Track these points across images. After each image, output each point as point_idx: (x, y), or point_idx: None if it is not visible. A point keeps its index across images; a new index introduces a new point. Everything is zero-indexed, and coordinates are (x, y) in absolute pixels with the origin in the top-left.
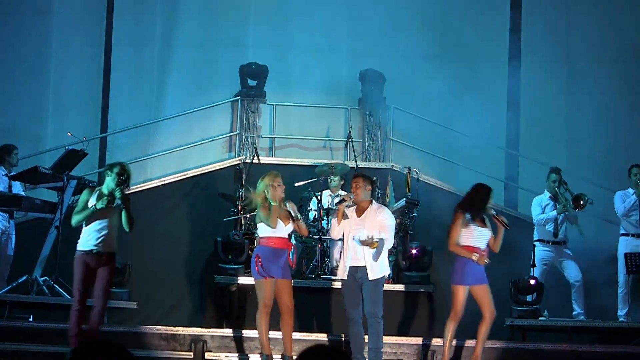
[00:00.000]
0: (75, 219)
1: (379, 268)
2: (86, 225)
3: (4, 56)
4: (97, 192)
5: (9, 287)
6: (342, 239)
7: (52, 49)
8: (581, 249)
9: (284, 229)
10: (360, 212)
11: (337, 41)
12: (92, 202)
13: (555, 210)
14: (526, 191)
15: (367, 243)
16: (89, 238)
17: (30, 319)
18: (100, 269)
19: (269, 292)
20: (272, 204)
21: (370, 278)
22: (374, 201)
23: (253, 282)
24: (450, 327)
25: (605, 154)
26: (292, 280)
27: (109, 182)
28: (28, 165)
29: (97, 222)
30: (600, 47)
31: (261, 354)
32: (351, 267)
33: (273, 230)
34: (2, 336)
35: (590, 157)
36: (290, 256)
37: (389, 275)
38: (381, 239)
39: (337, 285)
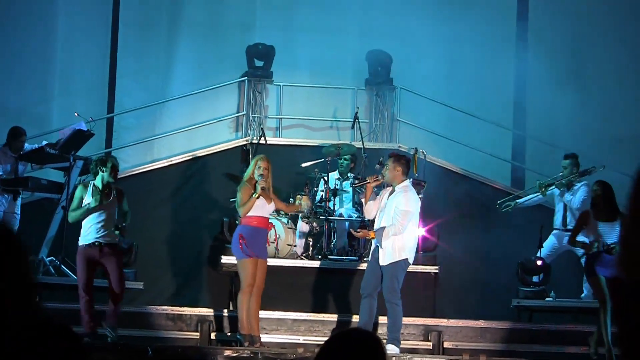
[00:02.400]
0: (71, 217)
1: (391, 254)
2: (86, 219)
3: (10, 38)
4: (92, 188)
5: None
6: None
7: (59, 30)
8: None
9: (266, 208)
10: (391, 193)
11: (344, 21)
12: (87, 199)
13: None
14: (533, 172)
15: (361, 235)
16: (89, 232)
17: (37, 300)
18: (106, 262)
19: (253, 271)
20: (254, 196)
21: (381, 263)
22: (404, 183)
23: None
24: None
25: (614, 138)
26: (300, 261)
27: (106, 177)
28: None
29: (95, 215)
30: (608, 29)
31: (239, 332)
32: (375, 247)
33: (255, 210)
34: None
35: (598, 139)
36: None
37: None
38: (381, 228)
39: (344, 265)
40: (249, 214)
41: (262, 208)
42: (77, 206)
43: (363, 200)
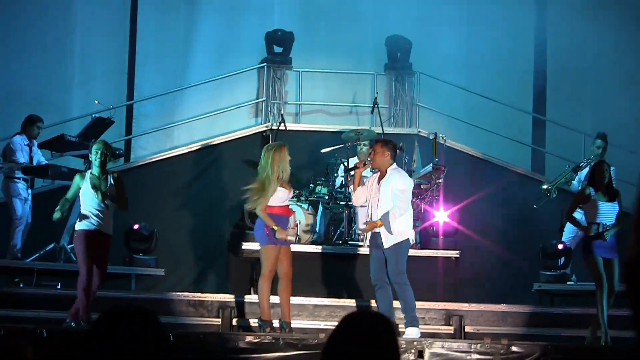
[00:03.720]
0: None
1: (394, 235)
2: (84, 206)
3: (28, 25)
4: (90, 176)
5: (37, 254)
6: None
7: (77, 18)
8: None
9: (286, 197)
10: (380, 178)
11: (363, 6)
12: (85, 187)
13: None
14: (553, 156)
15: (369, 229)
16: (89, 217)
17: (58, 287)
18: (98, 251)
19: (276, 258)
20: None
21: (385, 246)
22: (393, 166)
23: None
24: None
25: (635, 118)
26: (321, 247)
27: (95, 164)
28: (55, 133)
29: (95, 202)
30: (627, 15)
31: (259, 318)
32: (372, 234)
33: (275, 200)
34: (30, 303)
35: (617, 120)
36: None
37: (415, 241)
38: (385, 213)
39: (364, 251)
40: (271, 203)
41: (283, 197)
42: (72, 195)
43: (352, 187)
